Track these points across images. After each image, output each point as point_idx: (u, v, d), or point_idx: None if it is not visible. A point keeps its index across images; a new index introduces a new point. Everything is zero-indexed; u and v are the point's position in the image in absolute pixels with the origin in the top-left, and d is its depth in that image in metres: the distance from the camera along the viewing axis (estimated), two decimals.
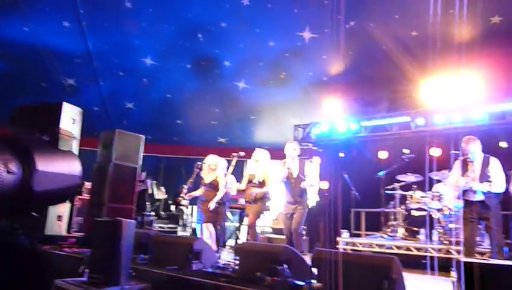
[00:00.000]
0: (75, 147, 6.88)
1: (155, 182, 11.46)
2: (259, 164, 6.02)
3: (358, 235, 8.41)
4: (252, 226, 5.83)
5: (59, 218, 6.91)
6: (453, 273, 3.67)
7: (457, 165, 5.00)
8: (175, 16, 9.60)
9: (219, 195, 6.18)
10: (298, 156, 5.84)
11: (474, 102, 7.67)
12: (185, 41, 10.11)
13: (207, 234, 6.24)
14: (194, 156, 10.98)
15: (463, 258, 2.61)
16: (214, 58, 10.30)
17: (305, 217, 5.64)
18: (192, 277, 4.27)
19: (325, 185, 9.73)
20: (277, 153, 11.90)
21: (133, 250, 4.34)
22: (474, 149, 4.75)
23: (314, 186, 5.93)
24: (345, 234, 7.32)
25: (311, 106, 9.93)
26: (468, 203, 4.76)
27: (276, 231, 8.20)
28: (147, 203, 10.01)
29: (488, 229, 4.61)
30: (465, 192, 4.79)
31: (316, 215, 8.96)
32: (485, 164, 4.70)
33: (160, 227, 10.13)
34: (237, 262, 4.38)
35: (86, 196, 8.10)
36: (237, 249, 4.61)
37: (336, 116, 9.35)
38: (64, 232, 7.02)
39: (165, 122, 11.81)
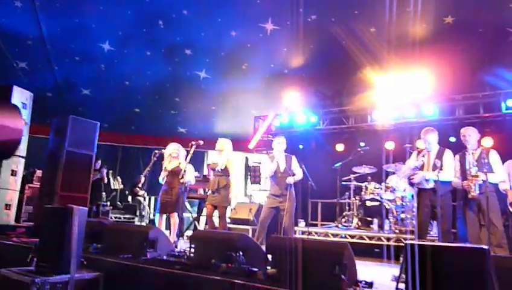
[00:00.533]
0: (25, 133, 6.57)
1: (111, 171, 11.18)
2: (222, 153, 5.98)
3: (315, 225, 8.58)
4: (222, 218, 5.83)
5: (7, 207, 6.60)
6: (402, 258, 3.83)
7: (413, 156, 5.19)
8: (135, 1, 9.33)
9: (184, 181, 6.02)
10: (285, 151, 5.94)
11: (427, 98, 8.01)
12: (145, 27, 9.87)
13: (167, 223, 6.18)
14: (152, 146, 10.81)
15: (407, 241, 2.73)
16: (175, 46, 10.12)
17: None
18: (146, 265, 4.22)
19: None
20: (238, 144, 11.98)
21: (85, 239, 4.23)
22: (432, 139, 4.99)
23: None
24: (301, 223, 7.46)
25: (271, 97, 9.98)
26: (421, 191, 4.97)
27: (235, 221, 8.21)
28: (102, 193, 9.74)
29: (436, 216, 4.83)
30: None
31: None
32: (440, 155, 4.92)
33: (116, 217, 9.91)
34: (193, 250, 4.36)
35: (36, 185, 7.78)
36: (193, 237, 4.58)
37: (295, 108, 9.48)
38: (12, 222, 6.72)
39: (122, 111, 11.49)
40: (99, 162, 9.28)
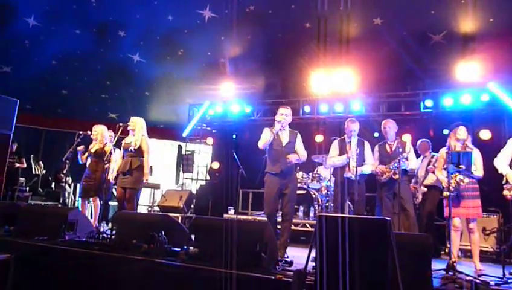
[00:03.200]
0: None
1: (33, 156, 10.49)
2: (135, 132, 5.63)
3: (246, 214, 8.69)
4: (130, 200, 5.39)
5: None
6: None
7: (334, 145, 5.44)
8: None
9: (111, 166, 5.78)
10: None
11: (354, 94, 8.44)
12: (75, 3, 9.29)
13: (89, 208, 5.92)
14: (80, 130, 10.27)
15: (320, 213, 2.87)
16: (107, 26, 9.64)
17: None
18: (64, 246, 4.04)
19: (216, 165, 9.89)
20: (171, 132, 11.78)
21: None
22: (356, 129, 5.27)
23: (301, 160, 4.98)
24: (231, 211, 7.52)
25: (207, 86, 9.91)
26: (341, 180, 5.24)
27: (165, 209, 8.06)
28: (19, 178, 9.10)
29: (352, 201, 5.12)
30: (339, 169, 5.25)
31: (206, 194, 9.07)
32: (361, 145, 5.21)
33: (36, 204, 9.31)
34: (114, 232, 4.24)
35: None
36: (115, 219, 4.45)
37: (230, 98, 9.54)
38: None
39: (48, 92, 10.77)
40: (15, 145, 8.63)
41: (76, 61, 10.35)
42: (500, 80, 7.35)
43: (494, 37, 7.76)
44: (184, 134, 10.29)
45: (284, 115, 4.86)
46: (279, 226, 4.83)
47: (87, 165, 6.09)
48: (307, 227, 6.60)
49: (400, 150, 5.05)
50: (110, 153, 5.68)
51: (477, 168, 4.44)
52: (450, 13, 8.18)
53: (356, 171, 4.84)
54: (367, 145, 5.38)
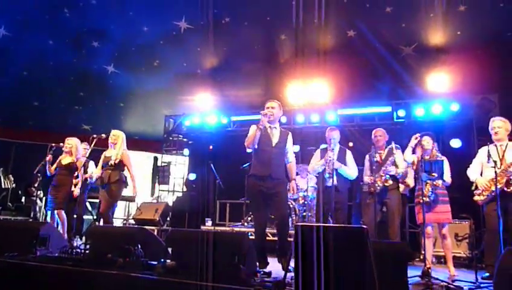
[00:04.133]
0: None
1: (2, 169, 10.14)
2: (116, 146, 5.62)
3: (223, 225, 8.63)
4: (104, 214, 5.34)
5: None
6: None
7: (317, 153, 5.48)
8: None
9: (79, 180, 5.76)
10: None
11: (329, 105, 8.57)
12: (48, 14, 9.13)
13: (58, 221, 5.76)
14: (53, 143, 10.01)
15: (298, 223, 2.88)
16: (81, 37, 9.52)
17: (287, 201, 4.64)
18: (35, 262, 3.89)
19: (193, 176, 9.81)
20: (147, 143, 11.61)
21: None
22: (337, 137, 5.34)
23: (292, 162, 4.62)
24: (208, 223, 7.45)
25: (183, 97, 9.87)
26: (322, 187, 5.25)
27: (140, 222, 7.91)
28: None
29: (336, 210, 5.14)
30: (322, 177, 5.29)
31: (182, 206, 8.95)
32: (343, 153, 5.30)
33: (5, 219, 8.97)
34: (88, 246, 4.12)
35: None
36: (89, 233, 4.34)
37: (207, 109, 9.52)
38: None
39: (19, 104, 10.48)
40: None
41: (49, 72, 10.13)
42: (468, 90, 7.63)
43: (462, 50, 8.07)
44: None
45: (271, 108, 4.42)
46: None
47: (54, 177, 5.98)
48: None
49: (391, 157, 5.09)
50: (84, 166, 5.58)
51: (446, 175, 4.58)
52: (420, 26, 8.47)
53: (333, 178, 4.91)
54: (349, 153, 5.44)
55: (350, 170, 5.31)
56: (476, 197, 4.40)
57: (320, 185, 5.31)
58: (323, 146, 5.49)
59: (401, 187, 5.50)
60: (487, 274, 4.10)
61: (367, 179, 5.20)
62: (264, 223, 4.49)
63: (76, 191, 5.82)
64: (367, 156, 5.39)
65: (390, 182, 4.99)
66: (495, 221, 3.96)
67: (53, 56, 9.93)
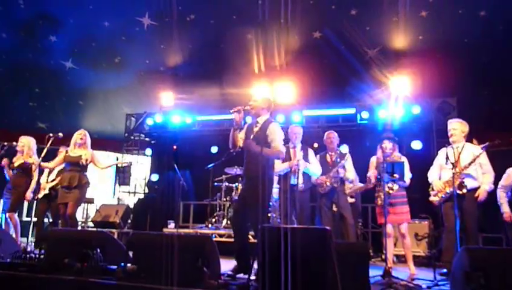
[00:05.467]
0: None
1: None
2: (84, 146, 5.53)
3: (187, 227, 8.55)
4: (72, 215, 5.21)
5: None
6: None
7: None
8: None
9: (33, 182, 5.56)
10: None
11: (295, 106, 8.67)
12: (1, 4, 8.72)
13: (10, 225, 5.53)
14: (5, 141, 9.57)
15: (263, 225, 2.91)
16: (37, 30, 9.14)
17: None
18: None
19: (155, 177, 9.66)
20: (107, 142, 11.32)
21: None
22: (299, 131, 5.49)
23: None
24: (171, 225, 7.37)
25: (145, 95, 9.71)
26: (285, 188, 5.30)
27: (100, 224, 7.72)
28: None
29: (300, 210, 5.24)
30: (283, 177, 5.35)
31: (144, 208, 8.80)
32: (305, 151, 5.45)
33: None
34: (43, 251, 3.98)
35: None
36: (44, 237, 4.19)
37: (170, 108, 9.38)
38: None
39: None
40: None
41: (1, 67, 9.69)
42: (428, 94, 7.95)
43: (423, 54, 8.40)
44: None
45: (252, 101, 4.26)
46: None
47: (8, 179, 5.78)
48: (250, 239, 6.60)
49: (339, 160, 5.29)
50: (40, 166, 5.39)
51: (406, 176, 4.75)
52: (384, 30, 8.73)
53: (298, 177, 5.01)
54: (311, 151, 5.56)
55: (315, 167, 5.41)
56: (432, 198, 4.63)
57: (283, 185, 5.37)
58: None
59: (347, 190, 5.74)
60: (445, 270, 4.29)
61: (316, 179, 5.41)
62: (244, 228, 4.35)
63: (28, 194, 5.60)
64: (318, 157, 5.60)
65: (336, 185, 5.25)
66: (452, 220, 4.15)
67: (6, 49, 9.50)
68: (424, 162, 5.36)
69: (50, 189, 6.29)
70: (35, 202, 6.19)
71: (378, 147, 4.89)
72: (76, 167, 5.38)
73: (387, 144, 4.83)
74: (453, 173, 4.22)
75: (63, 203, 5.32)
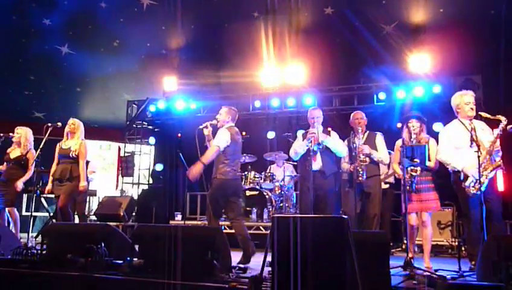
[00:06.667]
0: None
1: None
2: (75, 136, 5.55)
3: (194, 219, 8.62)
4: (64, 208, 5.23)
5: None
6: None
7: (299, 137, 5.51)
8: None
9: (28, 174, 5.64)
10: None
11: (306, 88, 8.61)
12: None
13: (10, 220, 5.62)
14: (0, 133, 9.69)
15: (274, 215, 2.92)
16: (30, 14, 9.14)
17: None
18: None
19: (160, 167, 9.71)
20: (108, 132, 11.41)
21: None
22: (319, 114, 5.26)
23: None
24: (178, 217, 7.44)
25: (147, 80, 9.70)
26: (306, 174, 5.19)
27: (103, 217, 7.81)
28: None
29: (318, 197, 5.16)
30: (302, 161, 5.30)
31: (149, 199, 8.89)
32: (326, 133, 5.25)
33: None
34: (45, 246, 4.05)
35: None
36: (46, 232, 4.25)
37: (174, 93, 9.37)
38: None
39: None
40: None
41: None
42: (450, 71, 7.83)
43: (444, 28, 8.24)
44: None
45: (218, 114, 4.94)
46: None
47: (2, 171, 5.81)
48: (261, 230, 6.67)
49: (373, 143, 5.10)
50: (37, 159, 5.44)
51: (431, 159, 4.53)
52: (401, 3, 8.58)
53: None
54: (334, 133, 5.34)
55: (338, 143, 5.18)
56: (472, 190, 4.21)
57: (302, 171, 5.29)
58: (301, 132, 5.52)
59: (382, 175, 5.59)
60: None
61: (346, 166, 5.19)
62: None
63: (19, 184, 5.60)
64: (345, 141, 5.32)
65: (367, 160, 4.94)
66: (478, 208, 4.02)
67: None
68: None
69: None
70: (34, 196, 6.32)
71: (404, 127, 4.65)
72: (68, 159, 5.41)
73: (415, 123, 4.58)
74: (478, 157, 4.02)
75: (57, 196, 5.36)
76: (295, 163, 6.74)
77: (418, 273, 3.71)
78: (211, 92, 9.37)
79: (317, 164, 5.12)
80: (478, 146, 4.07)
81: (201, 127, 4.89)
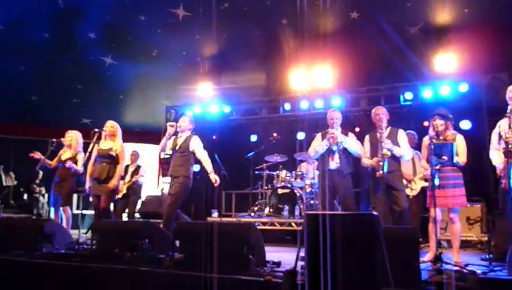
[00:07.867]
0: None
1: (2, 166, 10.23)
2: (115, 138, 5.55)
3: (230, 216, 8.69)
4: (106, 208, 5.31)
5: None
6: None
7: (318, 136, 5.48)
8: None
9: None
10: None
11: (334, 90, 8.53)
12: (42, 4, 9.08)
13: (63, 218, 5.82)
14: (52, 138, 10.06)
15: (307, 211, 2.91)
16: (77, 28, 9.46)
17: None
18: (42, 259, 3.96)
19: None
20: (148, 136, 11.64)
21: None
22: (338, 116, 5.28)
23: None
24: (214, 214, 7.52)
25: (184, 87, 9.85)
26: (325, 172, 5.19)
27: (146, 215, 7.98)
28: None
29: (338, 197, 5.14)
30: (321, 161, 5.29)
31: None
32: (345, 135, 5.26)
33: (9, 217, 9.07)
34: (94, 242, 4.18)
35: None
36: (95, 228, 4.39)
37: (208, 98, 9.48)
38: None
39: (17, 99, 10.51)
40: None
41: (46, 65, 10.13)
42: (477, 70, 7.57)
43: (469, 28, 7.97)
44: None
45: (181, 121, 5.65)
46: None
47: (56, 173, 5.96)
48: (293, 226, 6.64)
49: (395, 139, 4.93)
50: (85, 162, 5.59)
51: (460, 155, 4.38)
52: (426, 5, 8.36)
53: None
54: (351, 135, 5.35)
55: (355, 144, 5.17)
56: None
57: (321, 170, 5.28)
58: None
59: (420, 174, 5.43)
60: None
61: (367, 161, 4.99)
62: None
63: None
64: (367, 137, 5.16)
65: (389, 153, 4.75)
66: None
67: (49, 48, 9.92)
68: (474, 143, 5.06)
69: (127, 188, 6.97)
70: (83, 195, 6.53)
71: (430, 124, 4.53)
72: (106, 159, 5.39)
73: (438, 121, 4.42)
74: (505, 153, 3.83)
75: (96, 195, 5.38)
76: None
77: (448, 268, 3.60)
78: (242, 96, 9.43)
79: (335, 163, 5.14)
80: (506, 142, 3.89)
81: (170, 124, 5.49)
